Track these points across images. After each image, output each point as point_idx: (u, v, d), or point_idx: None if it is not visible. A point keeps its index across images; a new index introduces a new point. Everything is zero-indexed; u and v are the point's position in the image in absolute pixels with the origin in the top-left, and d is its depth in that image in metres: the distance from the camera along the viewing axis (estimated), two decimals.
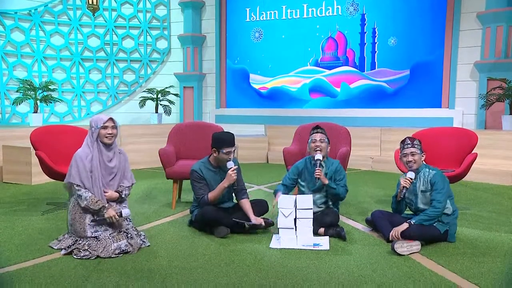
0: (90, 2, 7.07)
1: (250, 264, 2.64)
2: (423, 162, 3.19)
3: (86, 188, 2.85)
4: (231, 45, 8.73)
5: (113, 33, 8.67)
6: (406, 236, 2.92)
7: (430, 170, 3.14)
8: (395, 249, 2.79)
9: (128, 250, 2.80)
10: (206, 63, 8.93)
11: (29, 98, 7.02)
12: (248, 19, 8.53)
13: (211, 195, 3.29)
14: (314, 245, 2.96)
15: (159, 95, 8.16)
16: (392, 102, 7.52)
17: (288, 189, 3.49)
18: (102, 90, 8.69)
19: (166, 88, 8.24)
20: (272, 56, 8.36)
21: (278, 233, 3.10)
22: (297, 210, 3.05)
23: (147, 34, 8.87)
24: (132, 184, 3.13)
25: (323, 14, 7.95)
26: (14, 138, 5.86)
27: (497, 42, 6.58)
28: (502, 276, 2.47)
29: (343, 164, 4.15)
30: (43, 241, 3.04)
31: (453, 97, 7.09)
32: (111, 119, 2.98)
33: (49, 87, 7.04)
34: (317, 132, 3.45)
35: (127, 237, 2.87)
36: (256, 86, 8.54)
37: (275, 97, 8.38)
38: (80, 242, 2.80)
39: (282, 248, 2.93)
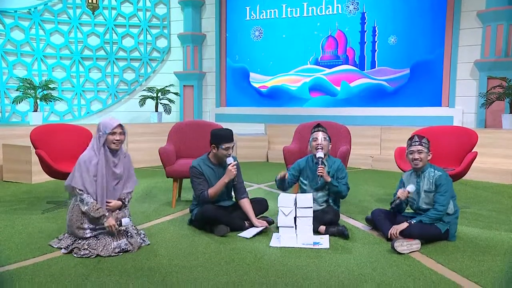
0: (90, 1, 7.07)
1: (250, 262, 2.64)
2: (428, 161, 3.16)
3: (88, 193, 2.83)
4: (231, 44, 8.72)
5: (113, 31, 8.66)
6: (406, 235, 2.92)
7: (436, 171, 3.10)
8: (395, 248, 2.79)
9: (128, 249, 2.81)
10: (206, 62, 8.92)
11: (29, 97, 7.01)
12: (248, 18, 8.52)
13: (211, 191, 3.29)
14: (314, 243, 2.97)
15: (159, 94, 8.15)
16: (392, 101, 7.52)
17: (289, 185, 3.48)
18: (102, 89, 8.68)
19: (166, 87, 8.23)
20: (272, 55, 8.35)
21: (278, 232, 3.10)
22: (297, 209, 3.05)
23: (147, 32, 8.86)
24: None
25: (323, 13, 7.95)
26: (14, 137, 5.86)
27: (497, 41, 6.57)
28: (502, 274, 2.48)
29: (343, 162, 4.15)
30: (43, 240, 3.05)
31: (453, 95, 7.09)
32: (120, 125, 2.92)
33: (49, 85, 7.04)
34: (318, 131, 3.45)
35: (127, 236, 2.87)
36: (256, 85, 8.54)
37: (275, 96, 8.38)
38: (79, 241, 2.80)
39: (282, 247, 2.93)
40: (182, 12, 8.83)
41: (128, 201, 3.05)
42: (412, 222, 2.98)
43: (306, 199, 3.05)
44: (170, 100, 8.25)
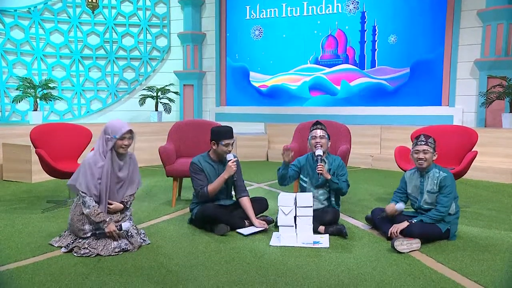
0: (90, 0, 7.06)
1: (250, 262, 2.64)
2: (433, 162, 3.13)
3: (91, 196, 2.80)
4: (231, 43, 8.72)
5: (113, 31, 8.66)
6: (407, 234, 2.92)
7: (441, 172, 3.07)
8: (395, 247, 2.79)
9: (128, 248, 2.80)
10: (206, 61, 8.91)
11: (29, 96, 7.01)
12: (248, 17, 8.51)
13: (211, 187, 3.29)
14: (314, 243, 2.96)
15: (159, 93, 8.16)
16: (392, 100, 7.52)
17: (290, 179, 3.46)
18: (102, 88, 8.68)
19: (166, 86, 8.24)
20: (272, 54, 8.35)
21: (278, 231, 3.11)
22: (297, 208, 3.05)
23: (147, 32, 8.85)
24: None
25: (323, 12, 7.94)
26: (14, 136, 5.86)
27: (497, 40, 6.57)
28: (502, 273, 2.48)
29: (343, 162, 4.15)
30: (43, 239, 3.05)
31: (453, 95, 7.09)
32: (130, 130, 2.88)
33: (49, 85, 7.04)
34: (316, 129, 3.45)
35: (128, 235, 2.87)
36: (256, 84, 8.53)
37: (275, 95, 8.38)
38: (80, 240, 2.80)
39: (282, 246, 2.93)
40: (182, 11, 8.82)
41: (130, 204, 3.05)
42: (413, 221, 2.98)
43: (306, 198, 3.05)
44: (170, 99, 8.26)
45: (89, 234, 2.81)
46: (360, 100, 7.73)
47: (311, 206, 3.04)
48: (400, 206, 3.10)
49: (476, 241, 3.06)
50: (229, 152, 3.34)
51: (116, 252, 2.74)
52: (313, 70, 8.05)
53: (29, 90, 6.92)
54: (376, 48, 7.60)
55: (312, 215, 3.04)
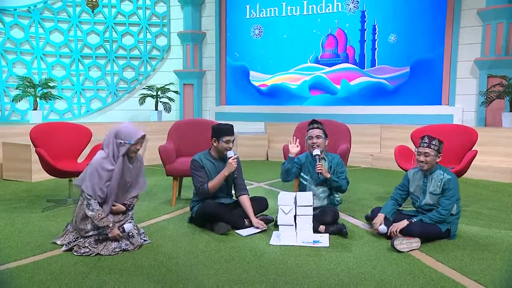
0: None
1: (250, 261, 2.64)
2: (438, 163, 3.08)
3: (96, 199, 2.78)
4: (231, 42, 8.71)
5: (113, 30, 8.65)
6: (406, 233, 2.92)
7: (445, 174, 3.03)
8: (395, 246, 2.79)
9: (128, 248, 2.80)
10: (206, 60, 8.91)
11: (29, 95, 7.01)
12: (248, 16, 8.51)
13: (211, 184, 3.30)
14: (314, 242, 2.96)
15: (159, 92, 8.16)
16: (392, 99, 7.52)
17: (294, 174, 3.45)
18: (102, 87, 8.68)
19: (166, 85, 8.23)
20: (272, 53, 8.35)
21: (278, 230, 3.11)
22: (297, 207, 3.05)
23: (147, 31, 8.85)
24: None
25: (323, 11, 7.94)
26: (14, 135, 5.85)
27: (497, 39, 6.57)
28: (501, 272, 2.48)
29: (343, 161, 4.15)
30: (43, 238, 3.05)
31: (453, 94, 7.09)
32: (144, 135, 2.85)
33: (49, 84, 7.04)
34: (313, 128, 3.44)
35: (129, 236, 2.86)
36: (256, 83, 8.53)
37: (275, 94, 8.38)
38: (81, 239, 2.80)
39: (282, 245, 2.93)
40: (182, 10, 8.82)
41: (133, 207, 3.04)
42: (413, 221, 2.98)
43: (306, 197, 3.05)
44: (170, 99, 8.26)
45: (90, 234, 2.80)
46: (360, 99, 7.73)
47: (311, 205, 3.04)
48: (383, 228, 3.07)
49: (476, 240, 3.06)
50: (230, 149, 3.34)
51: (116, 252, 2.74)
52: (313, 69, 8.05)
53: (29, 89, 6.92)
54: (376, 47, 7.60)
55: (312, 214, 3.04)
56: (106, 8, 8.57)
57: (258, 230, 3.21)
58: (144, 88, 8.35)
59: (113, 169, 2.80)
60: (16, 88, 7.11)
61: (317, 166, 3.28)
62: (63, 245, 2.82)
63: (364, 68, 7.70)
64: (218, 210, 3.23)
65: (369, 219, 3.39)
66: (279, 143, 7.19)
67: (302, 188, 3.48)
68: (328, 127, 4.57)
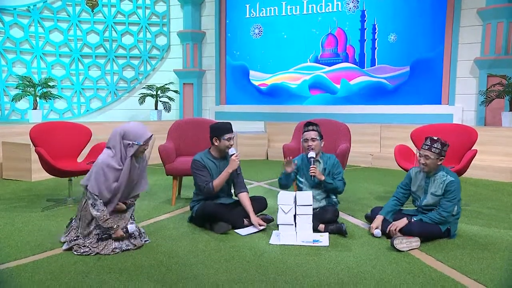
0: None
1: (250, 260, 2.65)
2: (441, 164, 3.07)
3: (101, 199, 2.76)
4: (231, 42, 8.71)
5: (113, 29, 8.65)
6: (406, 232, 2.92)
7: (448, 176, 3.01)
8: (395, 245, 2.79)
9: (128, 248, 2.80)
10: (205, 60, 8.91)
11: (29, 95, 7.01)
12: (248, 15, 8.50)
13: (216, 182, 3.30)
14: (314, 241, 2.97)
15: (159, 92, 8.16)
16: (392, 98, 7.52)
17: (292, 180, 3.48)
18: (102, 87, 8.67)
19: (166, 84, 8.23)
20: (272, 53, 8.35)
21: (277, 230, 3.11)
22: (296, 207, 3.05)
23: (147, 30, 8.84)
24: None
25: (323, 11, 7.94)
26: (13, 134, 5.85)
27: (497, 39, 6.57)
28: (501, 271, 2.48)
29: (343, 160, 4.15)
30: (43, 237, 3.05)
31: (453, 93, 7.09)
32: (152, 135, 2.85)
33: (49, 83, 7.04)
34: (308, 130, 3.44)
35: (130, 237, 2.86)
36: (256, 83, 8.53)
37: (275, 94, 8.38)
38: (81, 239, 2.79)
39: (281, 244, 2.93)
40: (181, 9, 8.81)
41: (133, 209, 3.03)
42: (412, 220, 2.98)
43: (306, 197, 3.05)
44: (169, 98, 8.26)
45: (92, 233, 2.80)
46: (360, 99, 7.73)
47: (311, 205, 3.04)
48: (378, 232, 3.08)
49: (476, 239, 3.06)
50: (231, 146, 3.35)
51: (115, 253, 2.74)
52: (313, 69, 8.05)
53: (28, 88, 6.92)
54: (376, 46, 7.60)
55: (312, 213, 3.05)
56: (106, 7, 8.56)
57: (258, 230, 3.21)
58: (144, 88, 8.35)
59: (120, 169, 2.80)
60: (16, 88, 7.10)
61: (311, 168, 3.29)
62: (65, 242, 2.82)
63: (364, 68, 7.70)
64: (218, 210, 3.23)
65: (369, 218, 3.39)
66: (279, 142, 7.18)
67: (299, 190, 3.49)
68: (328, 126, 4.60)
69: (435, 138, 3.05)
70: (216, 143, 3.36)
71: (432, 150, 3.01)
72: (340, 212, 3.56)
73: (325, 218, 3.24)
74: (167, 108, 8.23)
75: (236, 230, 3.21)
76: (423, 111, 7.21)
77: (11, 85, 7.71)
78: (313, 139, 3.39)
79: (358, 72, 7.74)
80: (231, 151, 3.34)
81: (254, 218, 3.27)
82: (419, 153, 3.08)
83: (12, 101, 7.17)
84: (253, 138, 7.44)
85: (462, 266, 2.55)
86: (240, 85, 8.68)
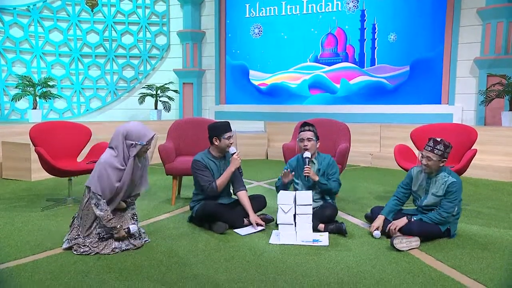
0: None
1: (250, 260, 2.65)
2: (443, 165, 3.04)
3: (104, 199, 2.76)
4: (230, 41, 8.71)
5: (112, 29, 8.65)
6: (406, 232, 2.92)
7: (450, 177, 2.99)
8: (394, 245, 2.79)
9: (128, 249, 2.80)
10: (205, 59, 8.91)
11: (28, 94, 7.01)
12: (247, 15, 8.50)
13: (219, 181, 3.30)
14: (314, 241, 2.97)
15: (159, 92, 8.16)
16: (392, 98, 7.52)
17: (290, 184, 3.48)
18: (101, 86, 8.67)
19: (166, 84, 8.23)
20: (272, 52, 8.35)
21: (277, 229, 3.11)
22: (296, 206, 3.05)
23: (146, 30, 8.84)
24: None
25: (323, 10, 7.94)
26: (13, 134, 5.85)
27: (497, 38, 6.57)
28: (501, 271, 2.48)
29: (343, 160, 4.15)
30: (42, 237, 3.05)
31: (453, 93, 7.09)
32: (154, 134, 2.84)
33: (48, 83, 7.04)
34: (304, 131, 3.44)
35: (130, 237, 2.86)
36: (256, 83, 8.53)
37: (275, 94, 8.38)
38: (82, 237, 2.79)
39: (281, 244, 2.93)
40: (181, 9, 8.81)
41: (135, 210, 3.03)
42: (412, 219, 2.98)
43: (306, 197, 3.05)
44: (169, 98, 8.25)
45: (93, 233, 2.80)
46: (360, 98, 7.73)
47: (311, 204, 3.04)
48: (377, 234, 3.07)
49: (476, 239, 3.06)
50: (231, 145, 3.35)
51: (115, 252, 2.74)
52: (312, 69, 8.05)
53: (28, 88, 6.92)
54: (375, 46, 7.60)
55: (311, 213, 3.05)
56: (106, 7, 8.56)
57: (257, 230, 3.21)
58: (144, 87, 8.35)
59: (123, 169, 2.79)
60: (16, 87, 7.10)
61: (305, 169, 3.29)
62: (66, 240, 2.81)
63: (363, 67, 7.70)
64: (218, 210, 3.23)
65: (369, 218, 3.39)
66: (279, 142, 7.18)
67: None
68: (328, 126, 4.60)
69: (438, 139, 3.02)
70: (216, 143, 3.36)
71: (435, 151, 2.98)
72: (340, 212, 3.56)
73: (324, 215, 3.24)
74: (167, 107, 8.23)
75: (235, 230, 3.21)
76: (423, 110, 7.21)
77: (11, 85, 7.71)
78: (309, 139, 3.39)
79: (358, 72, 7.74)
80: (232, 150, 3.34)
81: (253, 216, 3.27)
82: (421, 154, 3.05)
83: (12, 100, 7.17)
84: (253, 138, 7.44)
85: (462, 266, 2.55)
86: (240, 85, 8.68)
